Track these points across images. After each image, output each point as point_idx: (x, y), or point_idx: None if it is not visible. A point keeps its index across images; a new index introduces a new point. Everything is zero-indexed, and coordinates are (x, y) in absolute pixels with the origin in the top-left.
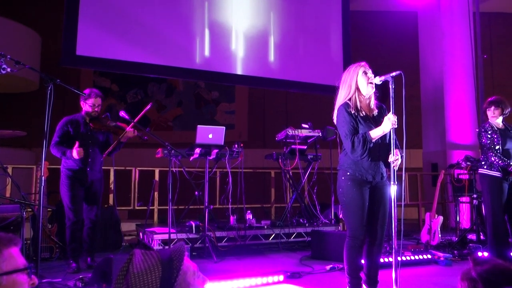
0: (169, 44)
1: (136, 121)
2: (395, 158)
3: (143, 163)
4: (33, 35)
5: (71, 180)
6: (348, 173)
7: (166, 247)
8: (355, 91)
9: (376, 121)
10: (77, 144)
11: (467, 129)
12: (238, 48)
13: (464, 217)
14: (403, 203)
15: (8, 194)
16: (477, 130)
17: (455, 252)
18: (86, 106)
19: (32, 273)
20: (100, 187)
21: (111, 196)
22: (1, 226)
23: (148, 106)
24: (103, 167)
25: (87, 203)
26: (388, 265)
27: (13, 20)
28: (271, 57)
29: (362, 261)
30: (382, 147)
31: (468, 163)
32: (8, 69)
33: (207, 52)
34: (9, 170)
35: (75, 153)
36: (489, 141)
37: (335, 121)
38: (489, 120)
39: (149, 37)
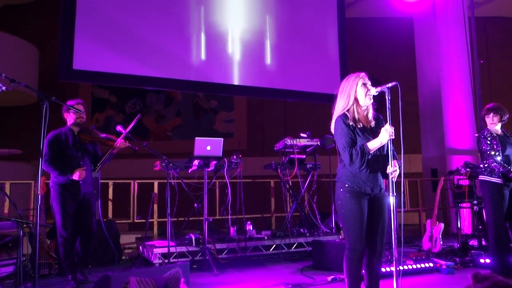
0: (166, 56)
1: (127, 132)
2: (393, 169)
3: (143, 173)
4: (31, 49)
5: (62, 196)
6: (346, 185)
7: (166, 260)
8: (353, 102)
9: (374, 133)
10: (79, 169)
11: (466, 134)
12: (236, 58)
13: (465, 223)
14: (402, 211)
15: (6, 210)
16: (476, 135)
17: (457, 259)
18: (70, 115)
19: None
20: (93, 200)
21: (110, 208)
22: (1, 244)
23: (137, 117)
24: (101, 181)
25: (81, 217)
26: (389, 275)
27: (10, 34)
28: (268, 66)
29: (363, 271)
30: (380, 159)
31: (468, 169)
32: (3, 88)
33: (204, 64)
34: (7, 186)
35: (77, 176)
36: (489, 148)
37: (332, 131)
38: (488, 127)
39: (145, 49)
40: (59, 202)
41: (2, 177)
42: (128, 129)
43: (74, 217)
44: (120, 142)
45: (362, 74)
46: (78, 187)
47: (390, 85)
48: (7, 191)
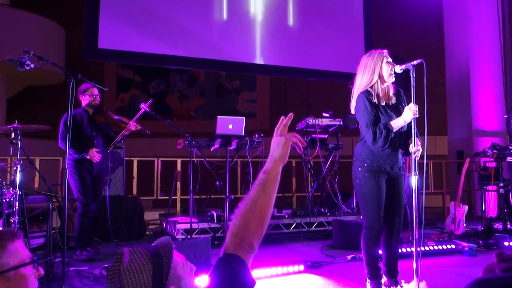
0: (189, 35)
1: (136, 119)
2: (416, 148)
3: (166, 152)
4: (56, 28)
5: (78, 170)
6: (365, 164)
7: (189, 236)
8: (378, 79)
9: (396, 109)
10: (95, 149)
11: (494, 116)
12: (258, 37)
13: (490, 206)
14: (424, 192)
15: (36, 185)
16: (506, 116)
17: (480, 242)
18: (86, 97)
19: (38, 264)
20: (105, 178)
21: (134, 185)
22: (31, 216)
23: (147, 103)
24: (126, 158)
25: (92, 194)
26: (409, 255)
27: (35, 14)
28: (291, 45)
29: (380, 252)
30: (401, 136)
31: (495, 151)
32: (32, 65)
33: (226, 42)
34: (37, 162)
35: (92, 157)
36: None
37: (353, 109)
38: None
39: (169, 28)
40: (77, 174)
41: (32, 153)
42: (136, 117)
43: (90, 187)
44: (132, 125)
45: (385, 51)
46: (92, 163)
47: (415, 62)
48: (37, 166)
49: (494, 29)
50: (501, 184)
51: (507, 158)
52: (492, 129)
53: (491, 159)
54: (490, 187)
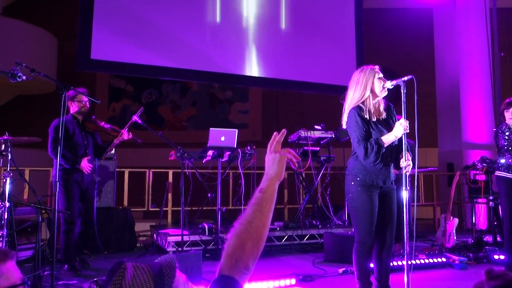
0: (183, 47)
1: (127, 127)
2: (407, 163)
3: (158, 163)
4: (49, 38)
5: (67, 182)
6: (358, 179)
7: (180, 249)
8: (369, 94)
9: (386, 124)
10: (86, 159)
11: (484, 129)
12: (251, 49)
13: (480, 218)
14: (415, 205)
15: (25, 196)
16: (494, 130)
17: (471, 255)
18: (75, 104)
19: (28, 286)
20: (94, 190)
21: (125, 196)
22: (20, 228)
23: (140, 110)
24: (117, 169)
25: (84, 204)
26: (400, 269)
27: (29, 23)
28: (284, 58)
29: (372, 265)
30: (392, 151)
31: (484, 164)
32: (24, 77)
33: (220, 54)
34: (26, 173)
35: (85, 168)
36: (506, 143)
37: (344, 124)
38: (507, 121)
39: (162, 39)
40: (64, 187)
41: (21, 164)
42: (130, 123)
43: (77, 203)
44: (124, 133)
45: (377, 67)
46: (82, 174)
47: (405, 78)
48: (26, 177)
49: (483, 43)
50: (491, 197)
51: (496, 172)
52: (481, 141)
53: (481, 172)
54: (480, 200)
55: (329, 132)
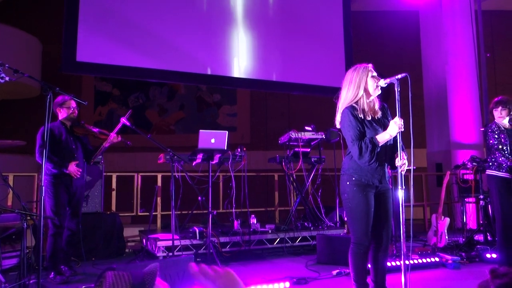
0: (169, 48)
1: (116, 131)
2: (402, 162)
3: (146, 167)
4: (33, 42)
5: (55, 186)
6: (353, 178)
7: (170, 253)
8: (363, 93)
9: (382, 123)
10: (75, 163)
11: (472, 129)
12: (239, 50)
13: (470, 218)
14: (411, 205)
15: (10, 202)
16: (482, 129)
17: (463, 254)
18: (63, 110)
19: None
20: (83, 195)
21: (113, 201)
22: (4, 236)
23: (128, 113)
24: (105, 173)
25: (72, 209)
26: (396, 269)
27: (13, 27)
28: (272, 59)
29: (369, 266)
30: (387, 150)
31: (474, 163)
32: (7, 78)
33: (207, 56)
34: (11, 178)
35: (74, 172)
36: (496, 142)
37: (338, 124)
38: (496, 120)
39: (149, 41)
40: (52, 192)
41: (5, 169)
42: (116, 129)
43: (65, 207)
44: (113, 136)
45: (370, 65)
46: (71, 178)
47: (399, 76)
48: (11, 183)
49: (469, 44)
50: (481, 196)
51: (487, 171)
52: (469, 141)
53: (471, 172)
54: (469, 199)
55: (319, 133)
